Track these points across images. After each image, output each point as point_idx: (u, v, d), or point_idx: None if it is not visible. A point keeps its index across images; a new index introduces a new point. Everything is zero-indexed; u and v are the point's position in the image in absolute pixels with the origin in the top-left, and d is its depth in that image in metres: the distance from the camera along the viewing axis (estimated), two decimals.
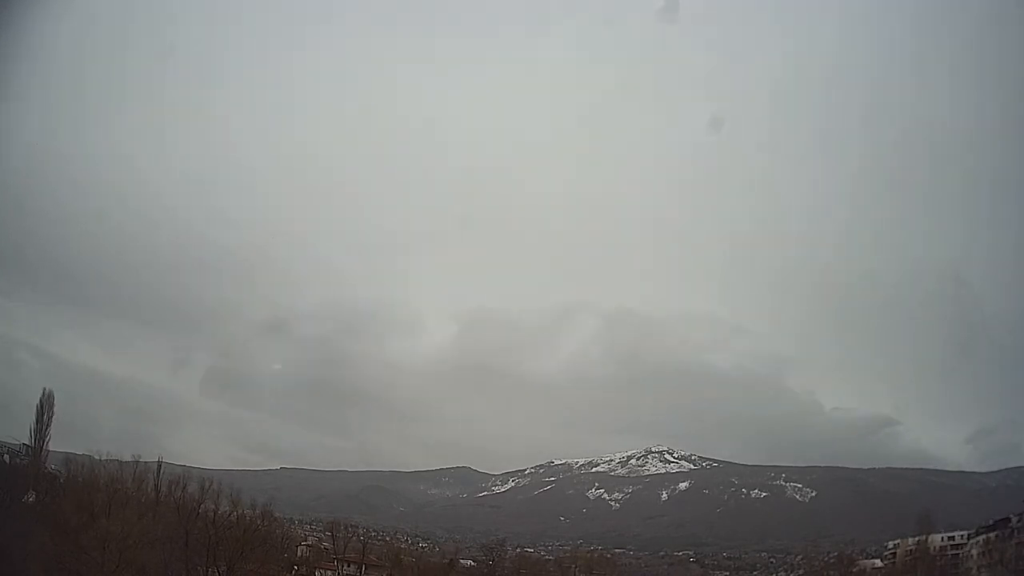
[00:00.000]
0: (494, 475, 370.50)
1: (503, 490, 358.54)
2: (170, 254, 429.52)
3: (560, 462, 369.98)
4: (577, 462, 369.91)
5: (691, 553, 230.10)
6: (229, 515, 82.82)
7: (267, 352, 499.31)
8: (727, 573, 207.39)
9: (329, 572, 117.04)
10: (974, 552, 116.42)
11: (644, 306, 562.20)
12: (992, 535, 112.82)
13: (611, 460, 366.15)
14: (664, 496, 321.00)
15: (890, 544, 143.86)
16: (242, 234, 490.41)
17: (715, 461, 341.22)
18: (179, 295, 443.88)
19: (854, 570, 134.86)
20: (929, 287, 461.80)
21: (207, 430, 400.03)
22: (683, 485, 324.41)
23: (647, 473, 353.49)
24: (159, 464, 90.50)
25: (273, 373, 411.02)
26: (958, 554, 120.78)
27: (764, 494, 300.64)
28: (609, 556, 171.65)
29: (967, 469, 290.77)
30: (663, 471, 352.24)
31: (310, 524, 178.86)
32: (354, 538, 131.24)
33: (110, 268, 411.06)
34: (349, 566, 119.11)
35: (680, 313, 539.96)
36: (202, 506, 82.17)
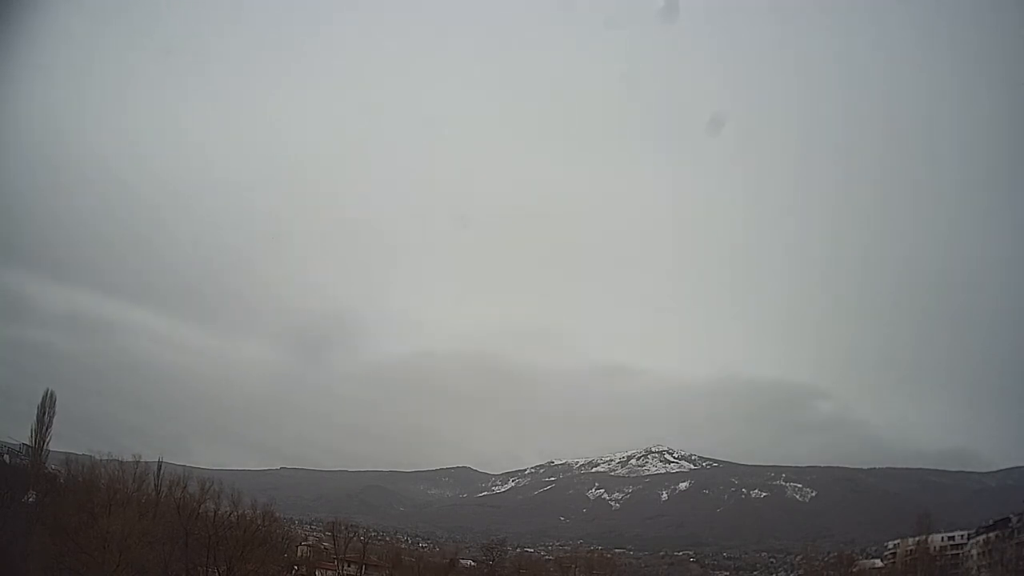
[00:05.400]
0: (494, 475, 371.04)
1: (503, 490, 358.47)
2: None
3: (560, 462, 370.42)
4: (577, 462, 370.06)
5: (691, 553, 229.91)
6: (229, 515, 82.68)
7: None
8: (727, 573, 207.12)
9: (329, 572, 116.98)
10: (974, 552, 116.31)
11: (648, 310, 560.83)
12: (992, 535, 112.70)
13: (611, 460, 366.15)
14: (664, 496, 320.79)
15: (890, 544, 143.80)
16: (241, 235, 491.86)
17: (715, 461, 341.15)
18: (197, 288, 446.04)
19: (854, 570, 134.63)
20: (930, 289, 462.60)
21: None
22: (683, 485, 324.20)
23: (647, 473, 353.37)
24: (159, 464, 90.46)
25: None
26: (958, 554, 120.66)
27: (764, 494, 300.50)
28: (609, 556, 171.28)
29: (967, 469, 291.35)
30: (663, 471, 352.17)
31: (310, 524, 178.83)
32: (354, 538, 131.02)
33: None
34: (349, 566, 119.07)
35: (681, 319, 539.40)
36: (202, 506, 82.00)
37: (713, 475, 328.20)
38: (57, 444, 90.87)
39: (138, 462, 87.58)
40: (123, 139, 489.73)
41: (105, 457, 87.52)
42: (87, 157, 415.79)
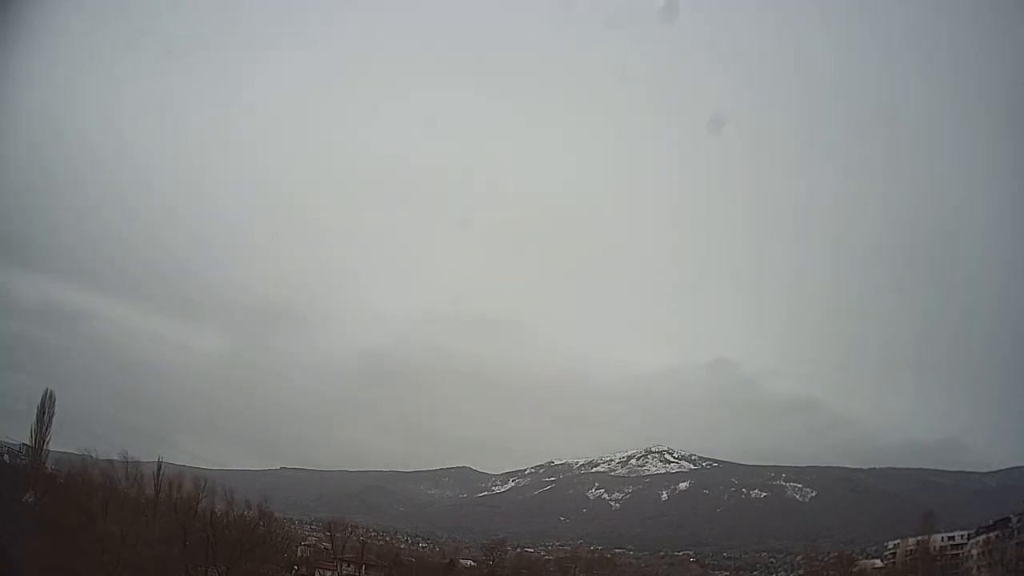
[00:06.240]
0: (494, 475, 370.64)
1: (503, 490, 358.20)
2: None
3: (560, 462, 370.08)
4: (577, 462, 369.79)
5: (691, 553, 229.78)
6: (228, 515, 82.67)
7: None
8: (727, 573, 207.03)
9: (329, 572, 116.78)
10: (974, 552, 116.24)
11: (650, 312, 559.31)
12: (992, 535, 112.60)
13: (611, 460, 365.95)
14: (664, 496, 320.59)
15: (890, 544, 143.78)
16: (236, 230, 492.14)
17: (715, 461, 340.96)
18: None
19: (854, 570, 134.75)
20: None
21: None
22: (683, 485, 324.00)
23: (647, 473, 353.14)
24: (158, 464, 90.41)
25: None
26: (958, 554, 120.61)
27: (764, 494, 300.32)
28: (609, 556, 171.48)
29: (967, 469, 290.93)
30: (663, 471, 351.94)
31: (310, 524, 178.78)
32: (352, 537, 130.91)
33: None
34: (348, 566, 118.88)
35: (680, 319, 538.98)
36: (200, 506, 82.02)
37: (713, 475, 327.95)
38: (57, 444, 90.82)
39: (137, 462, 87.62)
40: (120, 139, 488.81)
41: (103, 457, 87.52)
42: (85, 158, 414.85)
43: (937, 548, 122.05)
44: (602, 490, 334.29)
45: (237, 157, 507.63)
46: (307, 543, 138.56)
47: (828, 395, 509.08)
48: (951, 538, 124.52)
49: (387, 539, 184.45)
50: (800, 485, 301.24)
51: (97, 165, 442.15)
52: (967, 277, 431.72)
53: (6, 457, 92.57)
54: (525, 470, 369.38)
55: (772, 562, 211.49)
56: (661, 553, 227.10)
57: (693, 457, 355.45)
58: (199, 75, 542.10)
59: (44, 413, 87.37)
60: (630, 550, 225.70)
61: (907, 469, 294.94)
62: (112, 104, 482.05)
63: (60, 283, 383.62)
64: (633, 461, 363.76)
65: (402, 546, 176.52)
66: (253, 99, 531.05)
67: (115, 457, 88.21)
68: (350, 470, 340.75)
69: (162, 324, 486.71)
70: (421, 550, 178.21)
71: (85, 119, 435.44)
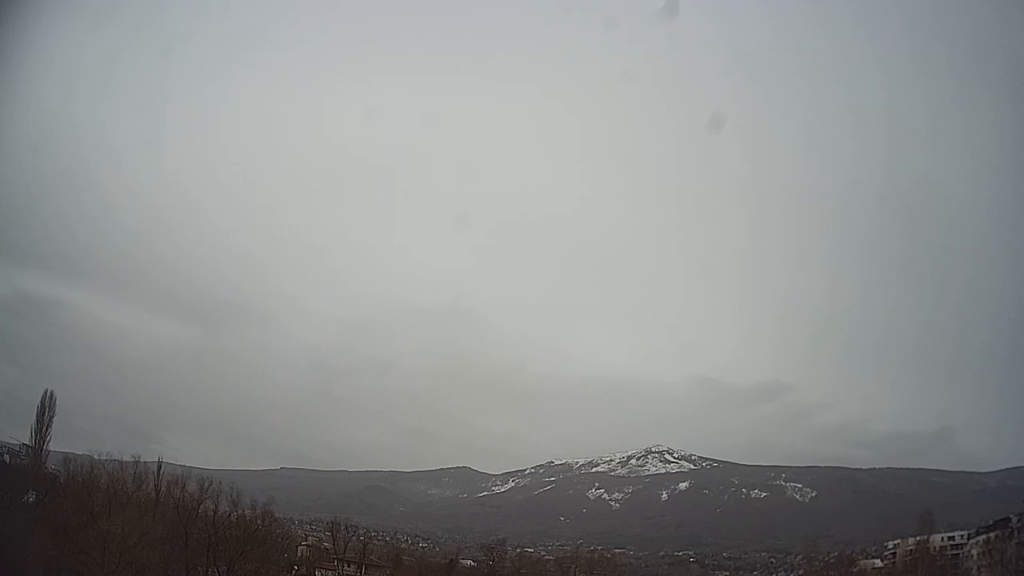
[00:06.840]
0: (494, 475, 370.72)
1: (503, 490, 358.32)
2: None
3: (560, 462, 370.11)
4: (577, 462, 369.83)
5: (691, 553, 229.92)
6: (229, 515, 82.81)
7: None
8: (727, 573, 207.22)
9: (329, 572, 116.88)
10: (974, 552, 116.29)
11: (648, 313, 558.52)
12: (992, 535, 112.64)
13: (611, 460, 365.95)
14: (664, 496, 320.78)
15: (890, 544, 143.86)
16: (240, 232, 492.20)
17: (715, 461, 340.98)
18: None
19: (854, 570, 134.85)
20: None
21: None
22: (683, 485, 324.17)
23: (647, 473, 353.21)
24: (159, 464, 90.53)
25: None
26: (958, 554, 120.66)
27: (764, 494, 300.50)
28: (609, 556, 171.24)
29: (967, 469, 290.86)
30: (663, 471, 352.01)
31: (310, 524, 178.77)
32: (354, 538, 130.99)
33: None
34: (349, 566, 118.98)
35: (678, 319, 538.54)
36: (202, 506, 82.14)
37: (713, 475, 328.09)
38: (57, 444, 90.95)
39: (138, 462, 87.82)
40: (104, 136, 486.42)
41: (105, 457, 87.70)
42: (73, 155, 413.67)
43: (937, 548, 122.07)
44: (602, 490, 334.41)
45: (230, 154, 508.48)
46: (307, 543, 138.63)
47: (828, 394, 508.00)
48: (951, 538, 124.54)
49: (387, 539, 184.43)
50: (800, 485, 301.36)
51: (86, 164, 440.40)
52: (967, 274, 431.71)
53: (6, 457, 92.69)
54: (525, 470, 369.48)
55: (772, 562, 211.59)
56: (661, 553, 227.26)
57: (693, 457, 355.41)
58: (185, 72, 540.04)
59: (44, 413, 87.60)
60: (630, 550, 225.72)
61: (907, 469, 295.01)
62: (99, 102, 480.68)
63: (53, 280, 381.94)
64: (633, 461, 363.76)
65: (402, 546, 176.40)
66: (240, 95, 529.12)
67: (118, 457, 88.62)
68: (350, 470, 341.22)
69: (160, 324, 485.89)
70: (421, 550, 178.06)
71: (78, 117, 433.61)
